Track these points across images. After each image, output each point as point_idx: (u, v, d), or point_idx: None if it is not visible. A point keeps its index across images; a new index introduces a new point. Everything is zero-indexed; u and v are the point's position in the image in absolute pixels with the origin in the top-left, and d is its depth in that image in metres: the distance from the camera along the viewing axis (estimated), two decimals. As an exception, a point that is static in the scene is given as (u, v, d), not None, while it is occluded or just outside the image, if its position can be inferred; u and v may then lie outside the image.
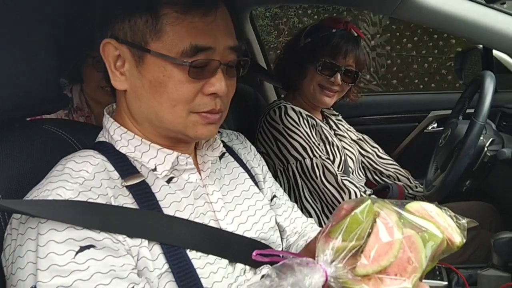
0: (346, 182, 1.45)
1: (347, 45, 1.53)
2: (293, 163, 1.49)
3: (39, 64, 0.85)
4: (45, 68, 0.86)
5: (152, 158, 0.78)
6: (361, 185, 1.68)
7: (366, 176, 1.84)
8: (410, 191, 1.81)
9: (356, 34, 1.58)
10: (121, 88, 0.77)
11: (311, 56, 1.55)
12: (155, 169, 0.78)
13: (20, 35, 0.81)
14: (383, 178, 1.85)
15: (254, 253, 0.62)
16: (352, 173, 1.66)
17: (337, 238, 0.54)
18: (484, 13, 1.02)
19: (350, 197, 1.44)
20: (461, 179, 1.39)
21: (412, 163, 1.99)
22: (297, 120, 1.51)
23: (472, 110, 1.38)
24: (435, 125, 2.20)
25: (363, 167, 1.84)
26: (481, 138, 1.36)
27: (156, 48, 0.72)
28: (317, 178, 1.46)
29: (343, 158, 1.59)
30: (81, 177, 0.70)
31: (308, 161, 1.46)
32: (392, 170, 1.86)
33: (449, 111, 1.91)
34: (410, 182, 1.84)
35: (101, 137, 0.83)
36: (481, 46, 2.09)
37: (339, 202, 1.45)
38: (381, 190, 1.76)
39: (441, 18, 1.01)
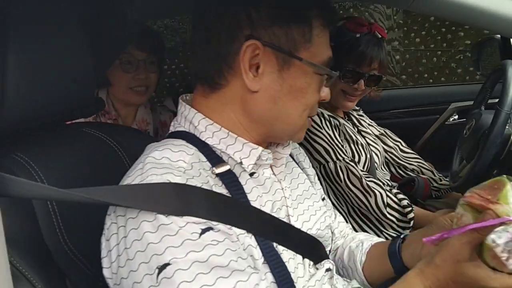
0: (371, 184, 1.45)
1: (372, 52, 1.50)
2: (317, 167, 1.49)
3: (76, 68, 0.87)
4: (82, 71, 0.88)
5: (237, 151, 0.79)
6: (387, 180, 1.68)
7: (390, 171, 1.84)
8: (435, 184, 1.81)
9: (380, 36, 1.54)
10: (255, 89, 0.76)
11: (333, 62, 1.55)
12: (240, 163, 0.79)
13: (56, 38, 0.83)
14: (407, 172, 1.84)
15: (424, 239, 0.70)
16: (377, 169, 1.67)
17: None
18: (502, 2, 1.02)
19: (376, 200, 1.43)
20: (488, 169, 1.39)
21: (434, 156, 1.98)
22: (320, 123, 1.50)
23: (494, 100, 1.38)
24: (456, 116, 2.19)
25: (386, 162, 1.84)
26: (507, 127, 1.36)
27: (304, 56, 0.75)
28: (341, 181, 1.46)
29: (368, 156, 1.59)
30: (180, 167, 0.70)
31: (331, 164, 1.46)
32: (415, 164, 1.85)
33: (470, 102, 1.91)
34: (434, 175, 1.83)
35: (178, 127, 0.83)
36: (498, 36, 2.07)
37: (365, 205, 1.45)
38: (406, 183, 1.77)
39: (459, 10, 1.01)
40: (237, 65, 0.75)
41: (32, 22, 0.78)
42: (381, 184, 1.49)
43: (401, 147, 1.89)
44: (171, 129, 0.85)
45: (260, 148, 0.80)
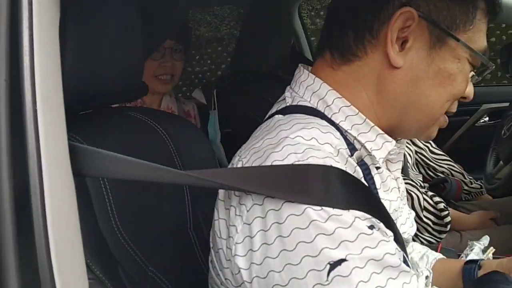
0: (408, 186, 1.41)
1: None
2: None
3: (129, 49, 0.83)
4: (134, 52, 0.85)
5: (369, 141, 0.68)
6: (419, 181, 1.65)
7: (419, 172, 1.80)
8: (466, 187, 1.78)
9: None
10: (398, 64, 0.65)
11: None
12: (371, 155, 0.69)
13: (112, 18, 0.80)
14: (437, 174, 1.81)
15: None
16: (409, 169, 1.63)
17: None
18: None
19: (412, 203, 1.39)
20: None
21: (463, 158, 1.94)
22: None
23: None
24: (487, 118, 2.14)
25: (416, 163, 1.81)
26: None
27: (462, 38, 0.66)
28: None
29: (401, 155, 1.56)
30: (329, 151, 0.59)
31: None
32: (445, 166, 1.82)
33: (502, 104, 1.86)
34: (465, 178, 1.80)
35: (302, 101, 0.70)
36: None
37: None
38: (437, 184, 1.73)
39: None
40: (382, 35, 0.65)
41: (88, 4, 0.76)
42: (417, 186, 1.45)
43: (431, 148, 1.86)
44: (288, 100, 0.72)
45: (394, 142, 0.69)
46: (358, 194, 0.58)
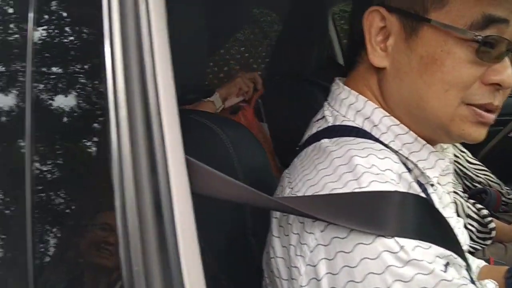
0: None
1: None
2: None
3: (195, 50, 0.82)
4: (198, 54, 0.84)
5: (421, 160, 0.63)
6: (460, 191, 1.62)
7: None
8: (503, 198, 1.75)
9: None
10: (380, 65, 0.62)
11: None
12: (423, 173, 0.64)
13: (173, 13, 0.79)
14: (474, 184, 1.78)
15: None
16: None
17: None
18: None
19: (456, 210, 1.37)
20: None
21: (496, 169, 1.91)
22: None
23: None
24: (521, 129, 2.12)
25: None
26: None
27: (438, 17, 0.58)
28: None
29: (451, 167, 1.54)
30: (392, 179, 0.54)
31: None
32: (482, 176, 1.79)
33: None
34: (502, 189, 1.77)
35: (346, 121, 0.65)
36: None
37: None
38: (476, 194, 1.71)
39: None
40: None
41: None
42: (460, 192, 1.43)
43: (467, 158, 1.83)
44: (330, 120, 0.67)
45: (447, 159, 0.65)
46: (434, 225, 0.54)
